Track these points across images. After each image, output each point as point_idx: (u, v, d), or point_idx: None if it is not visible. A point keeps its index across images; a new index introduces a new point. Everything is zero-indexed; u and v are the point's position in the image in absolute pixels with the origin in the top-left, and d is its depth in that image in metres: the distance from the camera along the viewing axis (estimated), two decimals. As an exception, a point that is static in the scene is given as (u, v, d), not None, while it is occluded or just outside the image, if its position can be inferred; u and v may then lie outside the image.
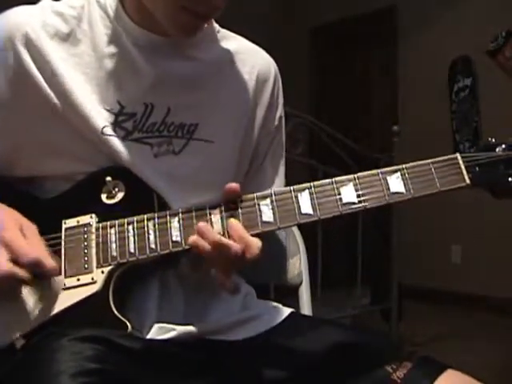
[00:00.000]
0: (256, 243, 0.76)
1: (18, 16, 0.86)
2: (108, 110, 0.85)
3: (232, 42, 0.97)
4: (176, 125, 0.88)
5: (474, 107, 4.17)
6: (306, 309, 1.17)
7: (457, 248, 4.28)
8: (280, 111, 1.01)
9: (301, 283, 1.19)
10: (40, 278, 0.78)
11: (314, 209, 0.78)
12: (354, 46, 4.88)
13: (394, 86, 4.66)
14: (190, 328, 0.85)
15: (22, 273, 0.74)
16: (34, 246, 0.77)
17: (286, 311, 0.97)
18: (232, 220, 0.78)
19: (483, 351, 2.91)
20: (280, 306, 0.99)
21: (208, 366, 0.84)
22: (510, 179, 0.78)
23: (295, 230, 1.23)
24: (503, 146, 0.79)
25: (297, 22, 5.10)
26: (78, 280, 0.80)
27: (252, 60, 0.97)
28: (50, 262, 0.76)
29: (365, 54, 4.87)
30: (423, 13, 4.41)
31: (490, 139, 0.81)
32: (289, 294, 1.19)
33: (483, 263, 4.04)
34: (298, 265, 1.19)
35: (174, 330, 0.84)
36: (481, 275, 4.03)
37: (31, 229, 0.79)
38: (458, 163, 0.79)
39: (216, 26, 0.96)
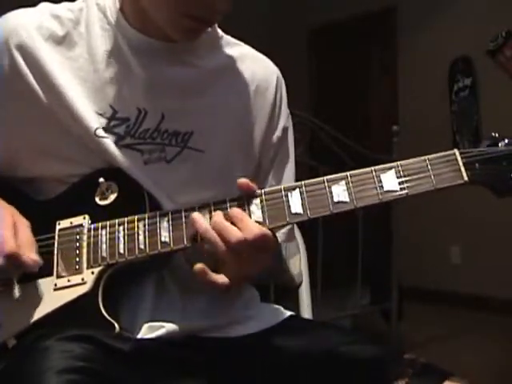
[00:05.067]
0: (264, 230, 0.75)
1: (14, 19, 0.86)
2: (101, 115, 0.84)
3: (235, 49, 0.95)
4: (170, 132, 0.87)
5: (473, 107, 4.17)
6: (306, 309, 1.17)
7: (456, 248, 4.28)
8: (284, 122, 0.97)
9: (301, 283, 1.19)
10: (31, 277, 0.79)
11: (304, 208, 0.76)
12: (353, 46, 4.88)
13: (394, 85, 4.66)
14: (180, 325, 0.84)
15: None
16: (19, 240, 0.77)
17: (286, 314, 0.97)
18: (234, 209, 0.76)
19: (483, 351, 2.91)
20: (281, 308, 0.99)
21: (198, 363, 0.84)
22: None
23: (295, 229, 1.22)
24: (506, 140, 0.74)
25: (296, 23, 5.09)
26: (69, 281, 0.81)
27: (252, 68, 0.95)
28: (26, 256, 0.76)
29: (365, 54, 4.87)
30: (423, 13, 4.41)
31: (493, 134, 0.75)
32: (289, 294, 1.19)
33: (483, 263, 4.03)
34: (297, 265, 1.19)
35: (162, 327, 0.83)
36: (481, 275, 4.02)
37: (23, 225, 0.80)
38: (456, 159, 0.75)
39: (219, 32, 0.94)
